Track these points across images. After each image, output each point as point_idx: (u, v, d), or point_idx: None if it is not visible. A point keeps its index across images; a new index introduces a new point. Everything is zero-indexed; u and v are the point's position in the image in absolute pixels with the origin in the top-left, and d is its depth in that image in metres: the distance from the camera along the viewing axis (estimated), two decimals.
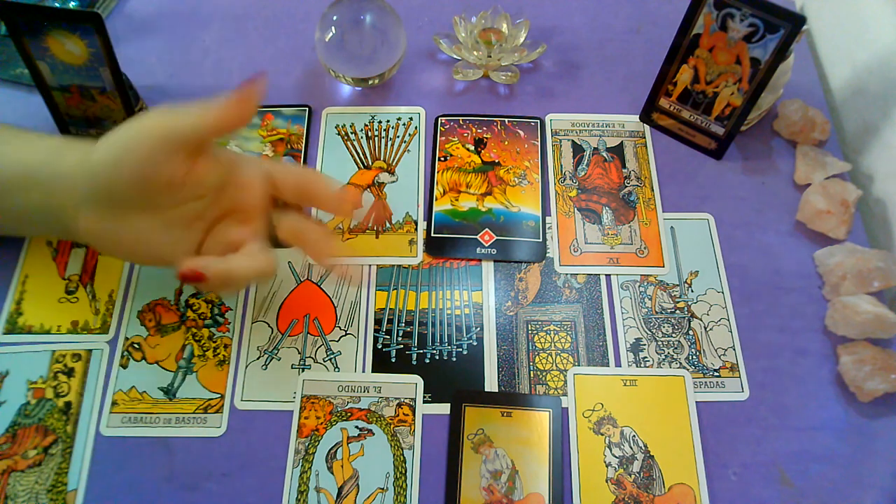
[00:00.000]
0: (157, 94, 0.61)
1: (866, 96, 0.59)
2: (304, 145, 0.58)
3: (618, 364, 0.49)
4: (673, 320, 0.51)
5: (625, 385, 0.49)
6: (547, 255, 0.54)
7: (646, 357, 0.50)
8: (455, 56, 0.61)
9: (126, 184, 0.37)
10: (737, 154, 0.58)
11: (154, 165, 0.37)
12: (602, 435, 0.47)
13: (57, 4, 0.65)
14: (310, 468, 0.46)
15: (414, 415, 0.47)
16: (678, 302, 0.52)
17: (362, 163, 0.58)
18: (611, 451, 0.46)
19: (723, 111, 0.55)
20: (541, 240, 0.54)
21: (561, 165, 0.58)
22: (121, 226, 0.39)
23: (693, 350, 0.50)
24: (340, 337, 0.50)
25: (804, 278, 0.53)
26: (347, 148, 0.58)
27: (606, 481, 0.45)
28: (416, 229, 0.54)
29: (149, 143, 0.36)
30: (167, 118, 0.37)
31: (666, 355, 0.50)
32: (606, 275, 0.53)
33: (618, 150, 0.58)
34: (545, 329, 0.51)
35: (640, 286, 0.52)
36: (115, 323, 0.51)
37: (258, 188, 0.42)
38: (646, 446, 0.46)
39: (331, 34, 0.56)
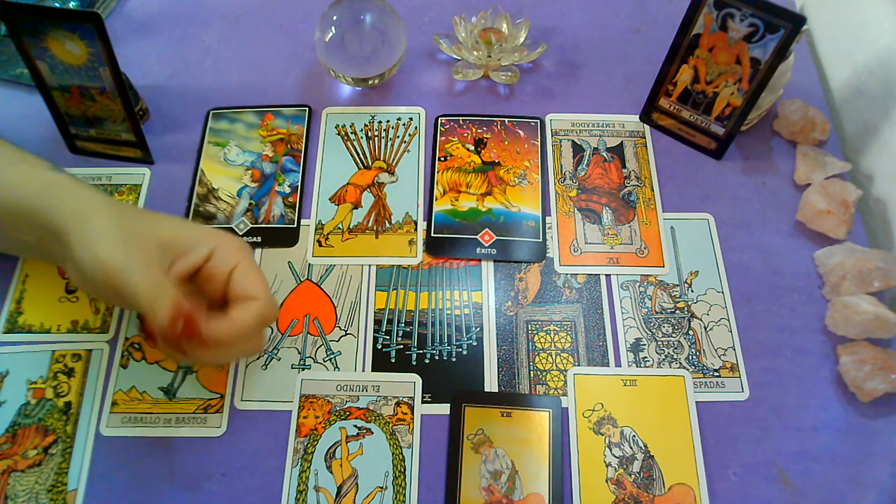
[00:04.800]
0: (157, 94, 0.61)
1: (866, 96, 0.59)
2: (303, 145, 0.58)
3: (618, 364, 0.49)
4: (673, 320, 0.51)
5: (625, 385, 0.49)
6: (547, 255, 0.54)
7: (646, 357, 0.50)
8: (455, 56, 0.61)
9: (98, 294, 0.42)
10: (737, 154, 0.58)
11: (119, 300, 0.42)
12: (602, 435, 0.47)
13: (57, 4, 0.65)
14: (309, 467, 0.46)
15: (412, 413, 0.47)
16: (678, 302, 0.52)
17: (362, 163, 0.58)
18: (611, 451, 0.46)
19: (723, 111, 0.55)
20: (541, 240, 0.54)
21: (561, 165, 0.58)
22: (105, 292, 0.41)
23: (693, 350, 0.50)
24: (340, 337, 0.50)
25: (804, 278, 0.53)
26: (347, 148, 0.58)
27: (606, 481, 0.45)
28: (415, 229, 0.54)
29: (113, 287, 0.38)
30: (120, 281, 0.38)
31: (666, 355, 0.50)
32: (606, 275, 0.53)
33: (618, 150, 0.58)
34: (545, 329, 0.51)
35: (640, 286, 0.52)
36: (115, 322, 0.51)
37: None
38: (646, 446, 0.46)
39: (331, 34, 0.56)
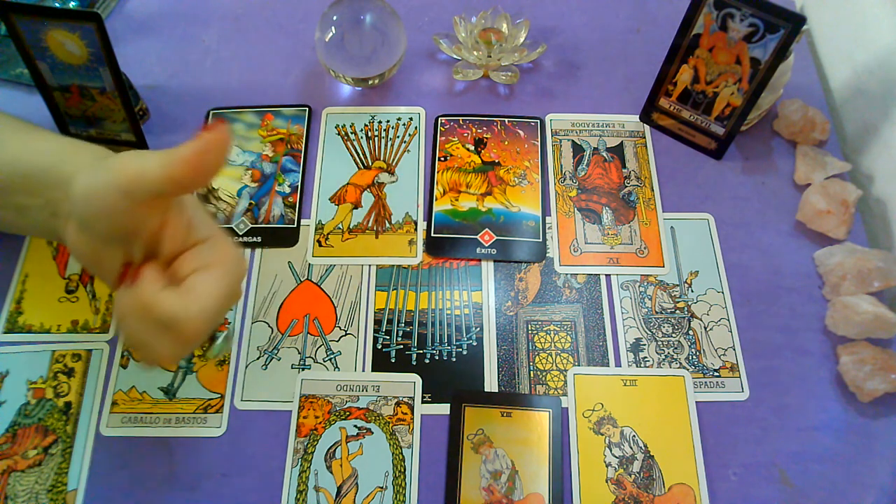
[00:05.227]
0: (157, 94, 0.61)
1: (866, 96, 0.59)
2: (303, 145, 0.58)
3: (618, 364, 0.49)
4: (673, 320, 0.51)
5: (625, 385, 0.49)
6: (547, 255, 0.54)
7: (646, 357, 0.50)
8: (455, 56, 0.61)
9: (102, 225, 0.36)
10: (737, 154, 0.58)
11: (121, 216, 0.35)
12: (602, 435, 0.47)
13: (57, 4, 0.65)
14: (309, 467, 0.46)
15: (412, 413, 0.47)
16: (678, 302, 0.52)
17: (362, 163, 0.58)
18: (611, 451, 0.46)
19: (723, 111, 0.55)
20: (541, 240, 0.54)
21: (561, 165, 0.58)
22: (97, 251, 0.38)
23: (693, 350, 0.50)
24: (340, 337, 0.50)
25: (804, 278, 0.53)
26: (347, 148, 0.58)
27: (606, 481, 0.45)
28: (415, 229, 0.54)
29: (116, 195, 0.34)
30: (134, 169, 0.34)
31: (666, 355, 0.50)
32: (606, 275, 0.53)
33: (618, 150, 0.58)
34: (545, 329, 0.51)
35: (640, 286, 0.52)
36: (115, 322, 0.51)
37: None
38: (646, 446, 0.46)
39: (331, 34, 0.56)
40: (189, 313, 0.34)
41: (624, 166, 0.58)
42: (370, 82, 0.59)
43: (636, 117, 0.60)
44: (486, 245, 0.54)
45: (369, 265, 0.53)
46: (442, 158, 0.58)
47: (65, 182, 0.38)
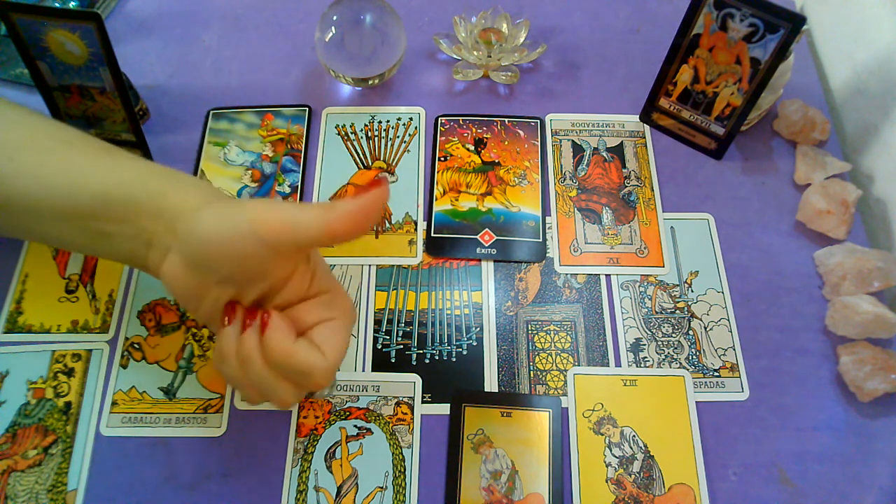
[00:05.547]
0: (157, 94, 0.61)
1: (866, 96, 0.59)
2: (304, 145, 0.58)
3: (618, 364, 0.49)
4: (673, 320, 0.51)
5: (625, 385, 0.49)
6: (547, 255, 0.54)
7: (646, 357, 0.50)
8: (455, 56, 0.61)
9: (225, 268, 0.35)
10: (737, 154, 0.58)
11: (258, 263, 0.35)
12: (602, 435, 0.47)
13: (57, 4, 0.65)
14: (309, 467, 0.46)
15: (412, 413, 0.47)
16: (678, 302, 0.52)
17: (362, 163, 0.58)
18: (611, 451, 0.46)
19: (723, 111, 0.55)
20: (541, 240, 0.54)
21: (561, 165, 0.58)
22: (202, 289, 0.37)
23: (693, 350, 0.50)
24: None
25: (804, 278, 0.53)
26: (347, 148, 0.58)
27: (606, 481, 0.45)
28: (415, 229, 0.54)
29: (254, 242, 0.34)
30: (282, 220, 0.34)
31: (666, 355, 0.50)
32: (606, 275, 0.53)
33: (618, 150, 0.58)
34: (545, 329, 0.51)
35: (640, 286, 0.52)
36: (115, 323, 0.51)
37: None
38: (646, 446, 0.46)
39: (331, 34, 0.56)
40: (324, 366, 0.36)
41: (624, 166, 0.58)
42: (370, 82, 0.60)
43: (636, 117, 0.60)
44: (486, 245, 0.54)
45: (369, 265, 0.53)
46: (442, 158, 0.58)
47: (167, 215, 0.36)
